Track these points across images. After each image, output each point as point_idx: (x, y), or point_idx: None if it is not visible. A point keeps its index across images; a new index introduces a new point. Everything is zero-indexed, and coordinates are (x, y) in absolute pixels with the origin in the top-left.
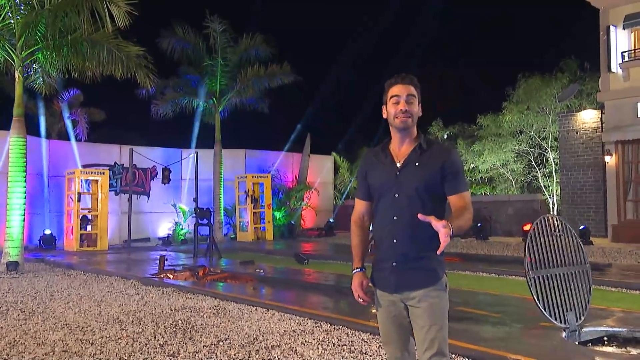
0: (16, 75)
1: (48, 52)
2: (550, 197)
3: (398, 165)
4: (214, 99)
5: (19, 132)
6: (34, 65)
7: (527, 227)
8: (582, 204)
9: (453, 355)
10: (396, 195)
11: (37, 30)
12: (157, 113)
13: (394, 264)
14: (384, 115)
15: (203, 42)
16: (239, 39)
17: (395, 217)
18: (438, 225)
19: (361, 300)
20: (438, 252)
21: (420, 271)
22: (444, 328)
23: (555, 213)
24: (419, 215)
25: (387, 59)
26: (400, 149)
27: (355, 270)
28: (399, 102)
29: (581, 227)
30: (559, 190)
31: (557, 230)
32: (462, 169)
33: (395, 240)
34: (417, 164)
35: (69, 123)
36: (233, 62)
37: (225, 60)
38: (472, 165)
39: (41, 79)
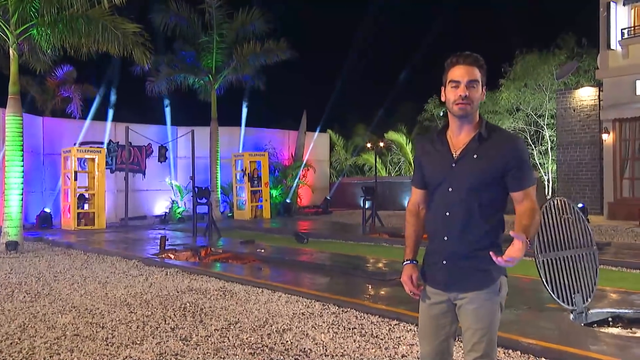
0: (11, 52)
1: (43, 29)
2: (546, 175)
3: (454, 155)
4: (210, 76)
5: (14, 110)
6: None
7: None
8: (578, 181)
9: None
10: (450, 189)
11: (31, 5)
12: (152, 90)
13: (444, 261)
14: (442, 99)
15: (198, 17)
16: (235, 14)
17: (447, 213)
18: (515, 246)
19: (412, 294)
20: (497, 262)
21: (471, 272)
22: (491, 332)
23: (551, 191)
24: (511, 233)
25: (384, 35)
26: (458, 136)
27: (406, 262)
28: (459, 86)
29: (580, 204)
30: (554, 168)
31: (565, 213)
32: (528, 161)
33: (446, 238)
34: (475, 156)
35: (78, 102)
36: (229, 38)
37: (221, 37)
38: None
39: (36, 56)
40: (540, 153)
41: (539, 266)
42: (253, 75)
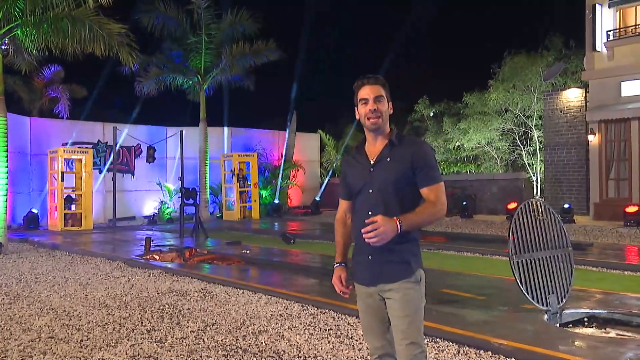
0: None
1: (27, 29)
2: (534, 175)
3: (372, 162)
4: (199, 76)
5: None
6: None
7: (511, 206)
8: (565, 182)
9: (437, 339)
10: (370, 191)
11: (15, 5)
12: (141, 90)
13: (370, 257)
14: (357, 117)
15: (187, 18)
16: (224, 14)
17: (370, 212)
18: (376, 223)
19: (342, 293)
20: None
21: (394, 264)
22: (417, 319)
23: (539, 191)
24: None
25: (374, 37)
26: (374, 146)
27: (335, 265)
28: (368, 102)
29: (565, 205)
30: (542, 169)
31: (540, 214)
32: (433, 161)
33: None
34: (388, 159)
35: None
36: (218, 38)
37: (210, 37)
38: (457, 144)
39: (21, 56)
40: (529, 154)
41: (513, 267)
42: (242, 75)
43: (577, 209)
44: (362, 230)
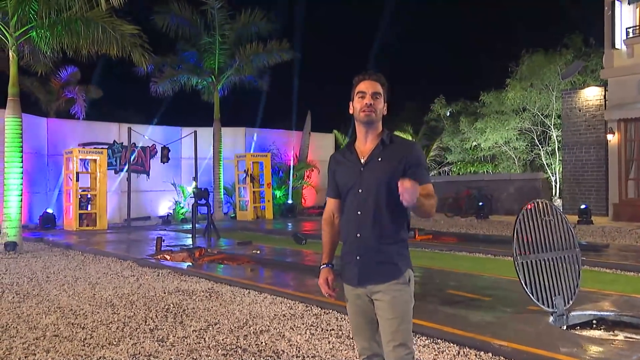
0: (10, 54)
1: (42, 31)
2: (552, 176)
3: (362, 161)
4: (213, 76)
5: (14, 112)
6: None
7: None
8: (583, 182)
9: (438, 340)
10: (360, 190)
11: (30, 7)
12: (156, 91)
13: (358, 257)
14: (351, 111)
15: (201, 18)
16: (237, 15)
17: (359, 212)
18: (405, 184)
19: (328, 295)
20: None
21: (382, 265)
22: (406, 321)
23: (558, 191)
24: (399, 183)
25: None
26: (365, 145)
27: (322, 266)
28: (365, 97)
29: (582, 206)
30: (561, 169)
31: (546, 215)
32: (424, 163)
33: (359, 235)
34: (379, 159)
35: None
36: (231, 39)
37: (224, 37)
38: (474, 143)
39: (37, 58)
40: (547, 154)
41: (517, 268)
42: (256, 75)
43: (595, 210)
44: (404, 185)
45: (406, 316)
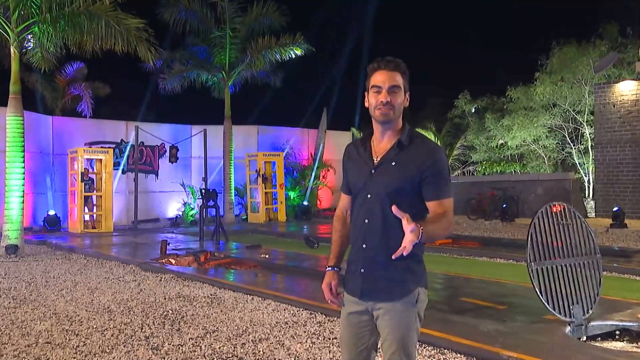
0: (12, 50)
1: (44, 26)
2: (585, 176)
3: (375, 162)
4: (224, 72)
5: (15, 110)
6: (31, 40)
7: (556, 209)
8: (618, 183)
9: (444, 350)
10: (368, 196)
11: (32, 2)
12: (164, 88)
13: (362, 269)
14: (366, 104)
15: (210, 12)
16: (249, 8)
17: (366, 220)
18: (407, 227)
19: (330, 302)
20: (393, 257)
21: (387, 282)
22: (408, 344)
23: (591, 193)
24: (393, 208)
25: (410, 28)
26: (380, 143)
27: (327, 269)
28: (380, 92)
29: (615, 208)
30: (594, 168)
31: (563, 219)
32: (446, 172)
33: (364, 245)
34: (394, 163)
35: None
36: (242, 33)
37: (234, 31)
38: (500, 141)
39: (39, 54)
40: (580, 152)
41: (532, 275)
42: (269, 71)
43: (631, 213)
44: (408, 240)
45: (408, 338)
